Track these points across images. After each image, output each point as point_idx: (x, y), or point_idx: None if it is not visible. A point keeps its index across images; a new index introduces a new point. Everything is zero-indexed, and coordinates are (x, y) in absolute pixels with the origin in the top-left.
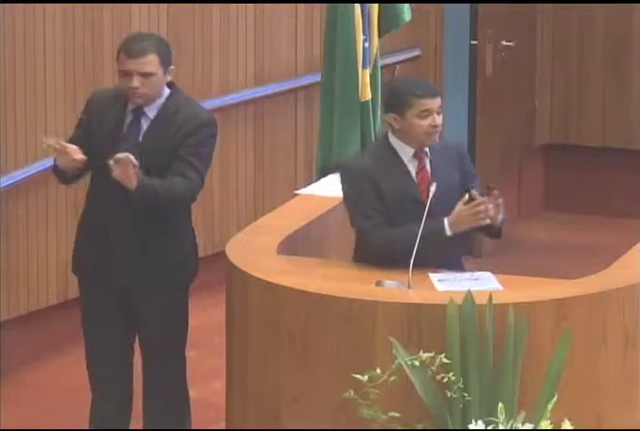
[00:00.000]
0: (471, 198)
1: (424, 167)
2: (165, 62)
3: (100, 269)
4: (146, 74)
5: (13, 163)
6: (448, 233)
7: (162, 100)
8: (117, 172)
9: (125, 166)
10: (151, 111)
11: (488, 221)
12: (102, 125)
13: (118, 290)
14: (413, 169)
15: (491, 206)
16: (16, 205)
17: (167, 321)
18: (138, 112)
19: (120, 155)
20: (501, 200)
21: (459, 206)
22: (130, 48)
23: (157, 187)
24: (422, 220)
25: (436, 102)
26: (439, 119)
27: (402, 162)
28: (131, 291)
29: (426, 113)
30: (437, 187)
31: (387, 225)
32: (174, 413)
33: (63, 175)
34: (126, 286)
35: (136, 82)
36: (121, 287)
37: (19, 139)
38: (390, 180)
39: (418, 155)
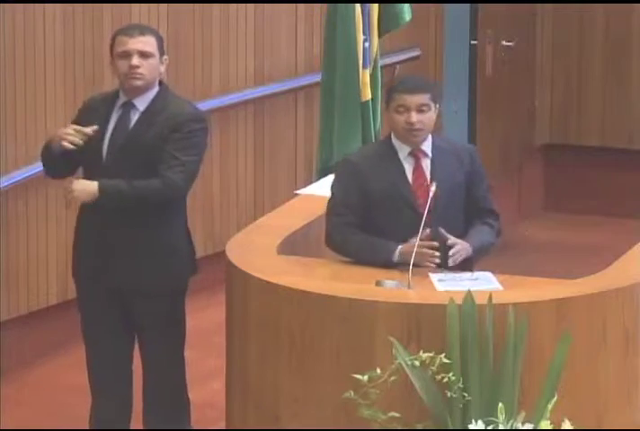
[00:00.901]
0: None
1: (421, 166)
2: (161, 49)
3: (97, 271)
4: (145, 54)
5: (13, 163)
6: (395, 260)
7: (152, 94)
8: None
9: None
10: (141, 104)
11: (433, 265)
12: (93, 123)
13: (116, 292)
14: (409, 167)
15: (437, 253)
16: (16, 205)
17: (165, 324)
18: (128, 105)
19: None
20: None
21: (415, 239)
22: (129, 29)
23: (123, 187)
24: (409, 218)
25: (414, 100)
26: (415, 117)
27: (398, 159)
28: (129, 293)
29: (402, 109)
30: (435, 186)
31: (353, 227)
32: (174, 415)
33: (56, 162)
34: (123, 288)
35: (135, 60)
36: (119, 289)
37: (19, 139)
38: (381, 178)
39: (414, 154)
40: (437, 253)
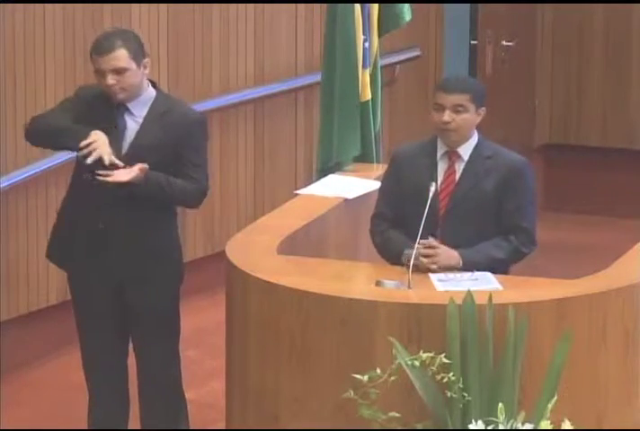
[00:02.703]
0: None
1: (453, 168)
2: (137, 55)
3: (95, 268)
4: (117, 71)
5: (13, 163)
6: (403, 261)
7: (149, 98)
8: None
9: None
10: (137, 109)
11: (434, 267)
12: (91, 120)
13: (113, 290)
14: (443, 167)
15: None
16: (16, 205)
17: (160, 318)
18: (121, 109)
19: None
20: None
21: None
22: (98, 46)
23: (163, 181)
24: (427, 217)
25: (449, 99)
26: (448, 116)
27: (435, 158)
28: (126, 290)
29: (437, 107)
30: (457, 193)
31: (382, 219)
32: (171, 413)
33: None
34: (122, 284)
35: (110, 79)
36: (117, 286)
37: (19, 139)
38: (414, 173)
39: (449, 155)
40: (434, 258)
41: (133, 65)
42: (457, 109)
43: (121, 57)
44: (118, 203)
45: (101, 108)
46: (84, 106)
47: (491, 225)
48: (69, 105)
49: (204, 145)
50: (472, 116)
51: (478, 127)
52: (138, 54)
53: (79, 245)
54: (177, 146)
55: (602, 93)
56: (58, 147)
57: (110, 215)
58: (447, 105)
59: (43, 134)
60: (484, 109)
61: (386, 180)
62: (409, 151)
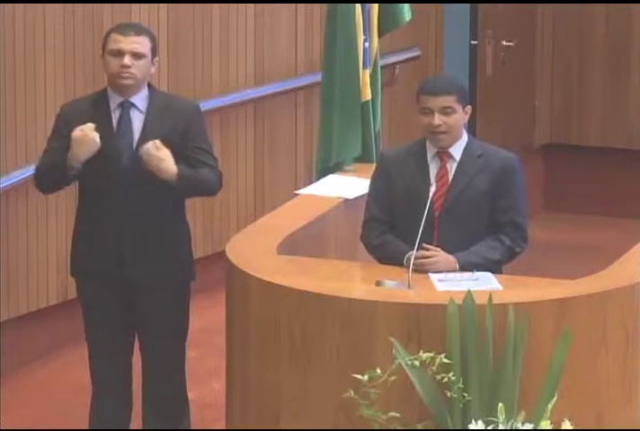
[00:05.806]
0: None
1: (445, 169)
2: (153, 50)
3: (107, 269)
4: (137, 55)
5: (13, 163)
6: (405, 264)
7: (146, 93)
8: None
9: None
10: (140, 103)
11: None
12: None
13: (122, 290)
14: (434, 168)
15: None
16: (16, 205)
17: (169, 317)
18: (126, 105)
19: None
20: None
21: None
22: (125, 28)
23: (194, 177)
24: (422, 218)
25: (437, 101)
26: (437, 120)
27: (425, 160)
28: (137, 289)
29: (426, 111)
30: (451, 193)
31: (378, 222)
32: (173, 413)
33: (61, 176)
34: (134, 284)
35: (127, 60)
36: (128, 286)
37: (19, 139)
38: (405, 176)
39: (440, 156)
40: (433, 259)
41: (149, 57)
42: (445, 111)
43: (145, 43)
44: (131, 204)
45: (93, 110)
46: (72, 116)
47: (485, 224)
48: (56, 134)
49: (206, 131)
50: (460, 116)
51: (473, 126)
52: (154, 49)
53: (94, 249)
54: (183, 137)
55: (602, 93)
56: (67, 180)
57: (123, 217)
58: (435, 108)
59: (48, 178)
60: (469, 107)
61: (375, 183)
62: (397, 154)
